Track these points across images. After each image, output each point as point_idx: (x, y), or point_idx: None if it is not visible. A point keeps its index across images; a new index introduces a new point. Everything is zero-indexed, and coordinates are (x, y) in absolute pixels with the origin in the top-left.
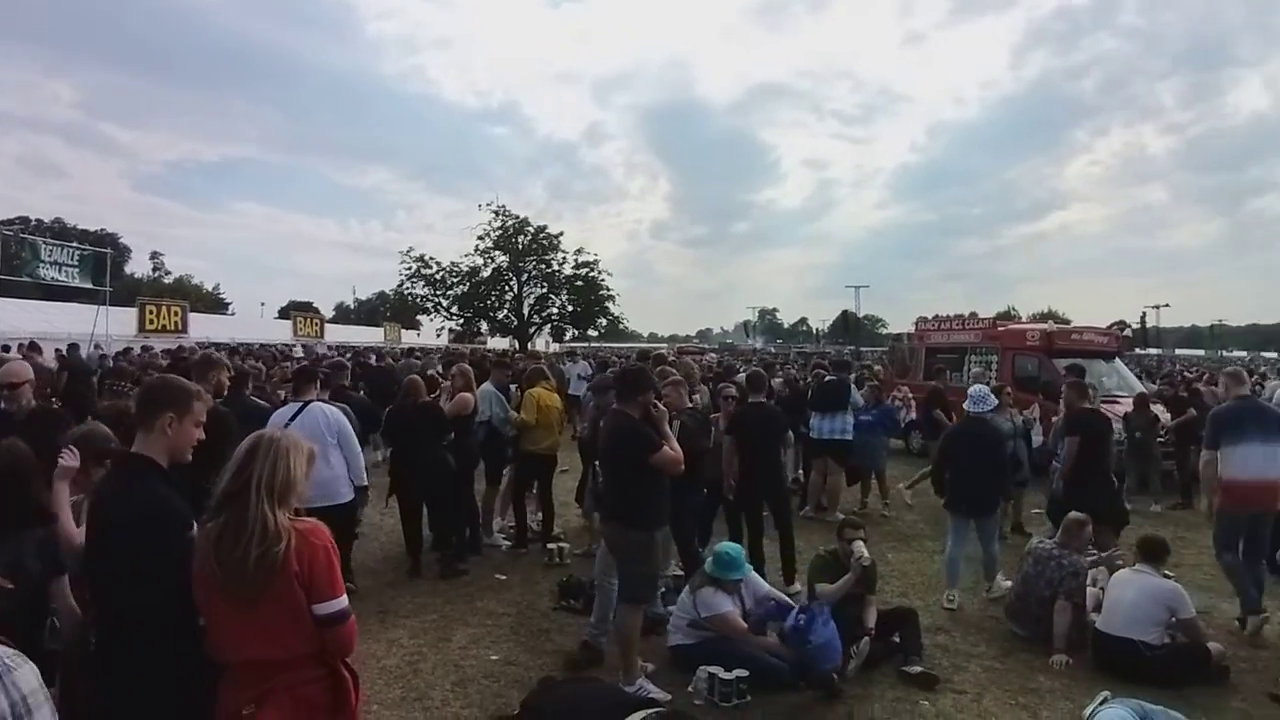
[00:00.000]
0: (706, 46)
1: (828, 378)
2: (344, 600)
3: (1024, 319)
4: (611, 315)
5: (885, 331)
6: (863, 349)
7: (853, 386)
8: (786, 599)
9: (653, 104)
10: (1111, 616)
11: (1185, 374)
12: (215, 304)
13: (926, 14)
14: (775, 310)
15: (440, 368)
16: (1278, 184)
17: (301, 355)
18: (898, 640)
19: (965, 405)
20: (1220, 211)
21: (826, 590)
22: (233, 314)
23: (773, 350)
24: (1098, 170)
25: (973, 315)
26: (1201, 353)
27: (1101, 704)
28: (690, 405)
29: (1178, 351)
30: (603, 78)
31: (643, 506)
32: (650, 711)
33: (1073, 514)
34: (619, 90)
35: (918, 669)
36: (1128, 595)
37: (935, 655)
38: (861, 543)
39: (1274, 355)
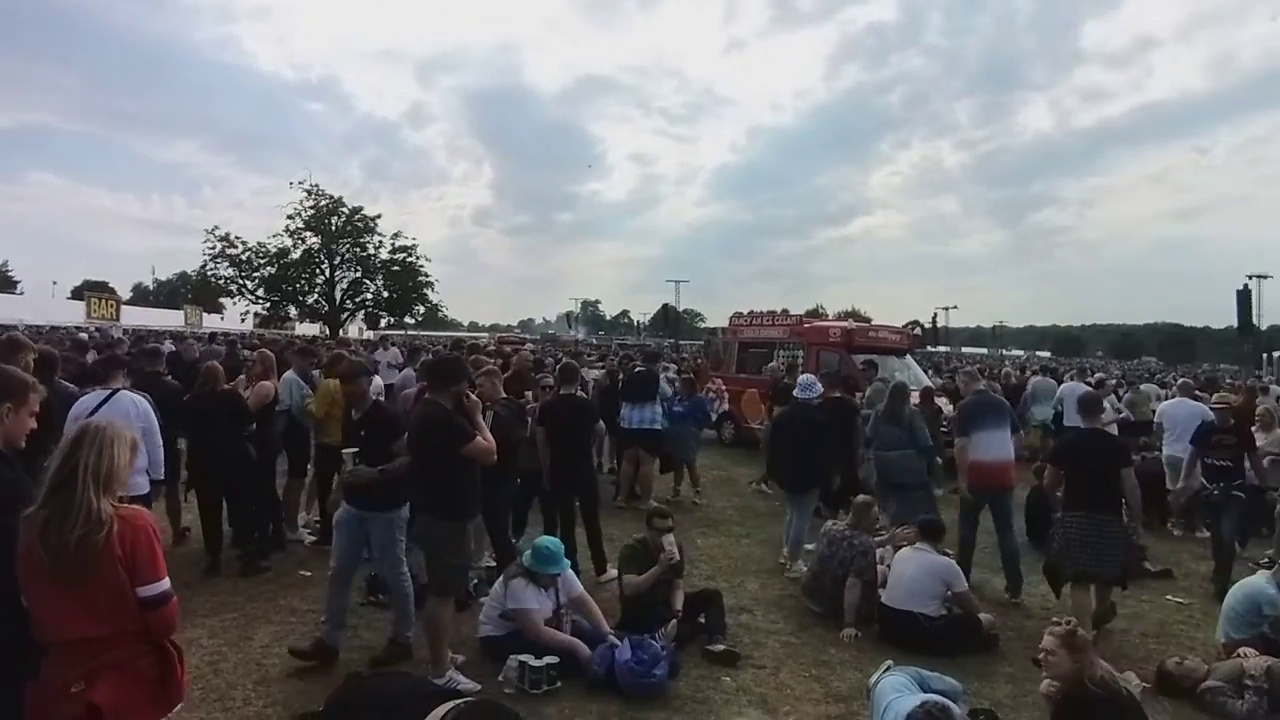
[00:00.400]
0: (535, 35)
1: (637, 368)
2: (166, 583)
3: (831, 317)
4: (430, 302)
5: (704, 326)
6: (682, 342)
7: (662, 377)
8: (603, 624)
9: (479, 88)
10: (894, 591)
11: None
12: (3, 282)
13: (749, 21)
14: (598, 302)
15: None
16: (1057, 200)
17: (88, 339)
18: (703, 621)
19: (795, 393)
20: (1005, 223)
21: (633, 582)
22: (21, 293)
23: (594, 342)
24: (899, 180)
25: (784, 312)
26: (984, 351)
27: (885, 672)
28: (505, 396)
29: (963, 350)
30: (427, 57)
31: (454, 497)
32: (458, 702)
33: (861, 497)
34: (444, 71)
35: (721, 647)
36: (909, 571)
37: (738, 633)
38: (671, 536)
39: (1046, 354)
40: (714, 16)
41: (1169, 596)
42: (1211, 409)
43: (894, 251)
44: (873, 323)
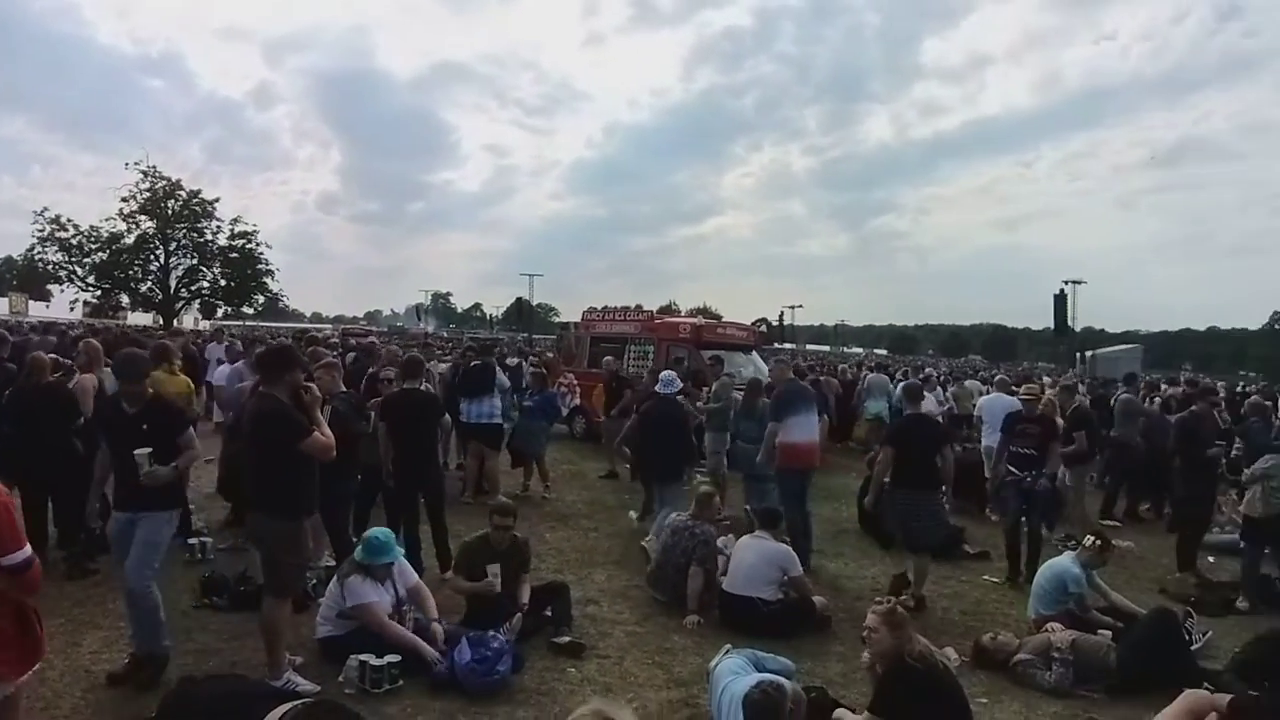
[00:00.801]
0: (389, 17)
1: (474, 362)
2: (27, 550)
3: (683, 313)
4: (270, 292)
5: (558, 320)
6: (535, 336)
7: (499, 370)
8: (433, 612)
9: (329, 69)
10: (734, 578)
11: (811, 366)
12: None
13: (608, 17)
14: (449, 294)
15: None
16: (896, 206)
17: None
18: (550, 614)
19: (657, 388)
20: (848, 227)
21: (457, 585)
22: None
23: (444, 335)
24: (750, 182)
25: (638, 307)
26: (826, 348)
27: (724, 656)
28: (344, 390)
29: (808, 347)
30: (276, 36)
31: (290, 494)
32: (295, 704)
33: (703, 488)
34: (293, 51)
35: (566, 639)
36: (748, 558)
37: (584, 625)
38: (496, 566)
39: (883, 352)
40: (573, 10)
41: (985, 576)
42: (1019, 400)
43: (744, 251)
44: (723, 319)
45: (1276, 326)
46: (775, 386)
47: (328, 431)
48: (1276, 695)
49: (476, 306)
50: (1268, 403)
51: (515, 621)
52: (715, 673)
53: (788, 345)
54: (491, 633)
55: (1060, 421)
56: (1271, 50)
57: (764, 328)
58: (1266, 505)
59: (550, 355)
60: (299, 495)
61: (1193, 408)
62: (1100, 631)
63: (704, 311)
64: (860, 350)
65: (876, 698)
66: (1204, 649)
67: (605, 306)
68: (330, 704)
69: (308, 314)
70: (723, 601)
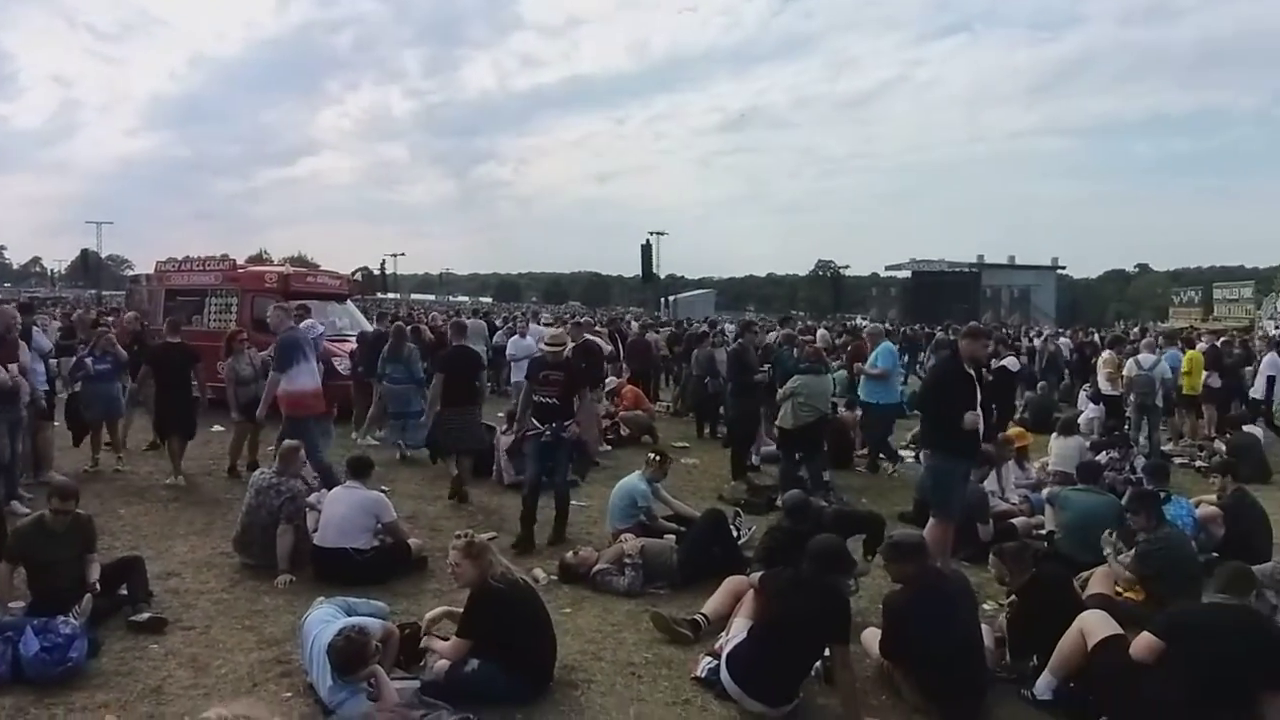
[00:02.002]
0: None
1: None
2: None
3: (276, 262)
4: None
5: (131, 273)
6: (106, 293)
7: (38, 331)
8: None
9: None
10: (326, 531)
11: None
12: None
13: None
14: (3, 248)
15: None
16: (498, 155)
17: None
18: (125, 592)
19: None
20: (451, 174)
21: None
22: None
23: None
24: (348, 123)
25: (224, 257)
26: (432, 297)
27: (315, 607)
28: None
29: (413, 296)
30: None
31: None
32: None
33: (287, 442)
34: None
35: (146, 615)
36: (339, 511)
37: (166, 599)
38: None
39: (489, 300)
40: None
41: (575, 501)
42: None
43: (343, 196)
44: (320, 268)
45: (820, 273)
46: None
47: None
48: (780, 571)
49: (35, 261)
50: (801, 335)
51: (85, 604)
52: (305, 625)
53: (391, 295)
54: (61, 618)
55: None
56: (823, 31)
57: (359, 276)
58: (796, 418)
59: (118, 312)
60: None
61: (740, 340)
62: (666, 536)
63: (300, 260)
64: (466, 299)
65: (464, 619)
66: (749, 542)
67: (188, 256)
68: None
69: None
70: (315, 556)
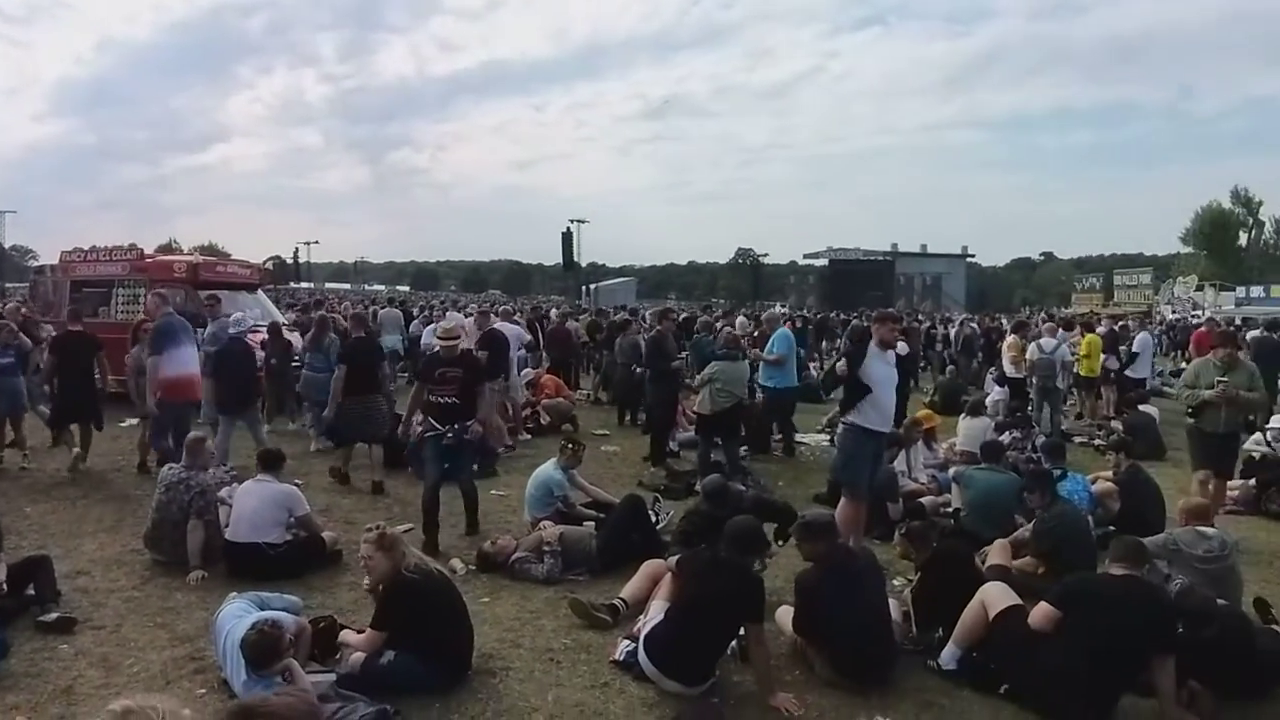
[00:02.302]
0: None
1: None
2: None
3: (186, 251)
4: None
5: (36, 264)
6: (10, 285)
7: None
8: None
9: None
10: (238, 526)
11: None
12: None
13: None
14: None
15: None
16: (414, 141)
17: None
18: (32, 592)
19: (229, 330)
20: (366, 160)
21: None
22: None
23: None
24: (260, 108)
25: (132, 247)
26: (347, 286)
27: (228, 603)
28: None
29: (327, 285)
30: None
31: None
32: None
33: (192, 434)
34: None
35: (54, 615)
36: (250, 504)
37: (75, 598)
38: None
39: (406, 289)
40: None
41: (493, 491)
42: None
43: (255, 183)
44: (231, 257)
45: (740, 261)
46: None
47: None
48: (696, 552)
49: None
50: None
51: None
52: (218, 621)
53: (305, 284)
54: None
55: None
56: (742, 21)
57: (269, 265)
58: (713, 403)
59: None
60: None
61: (658, 328)
62: (585, 523)
63: (210, 249)
64: (382, 287)
65: (378, 611)
66: (668, 527)
67: (93, 247)
68: None
69: None
70: (227, 551)
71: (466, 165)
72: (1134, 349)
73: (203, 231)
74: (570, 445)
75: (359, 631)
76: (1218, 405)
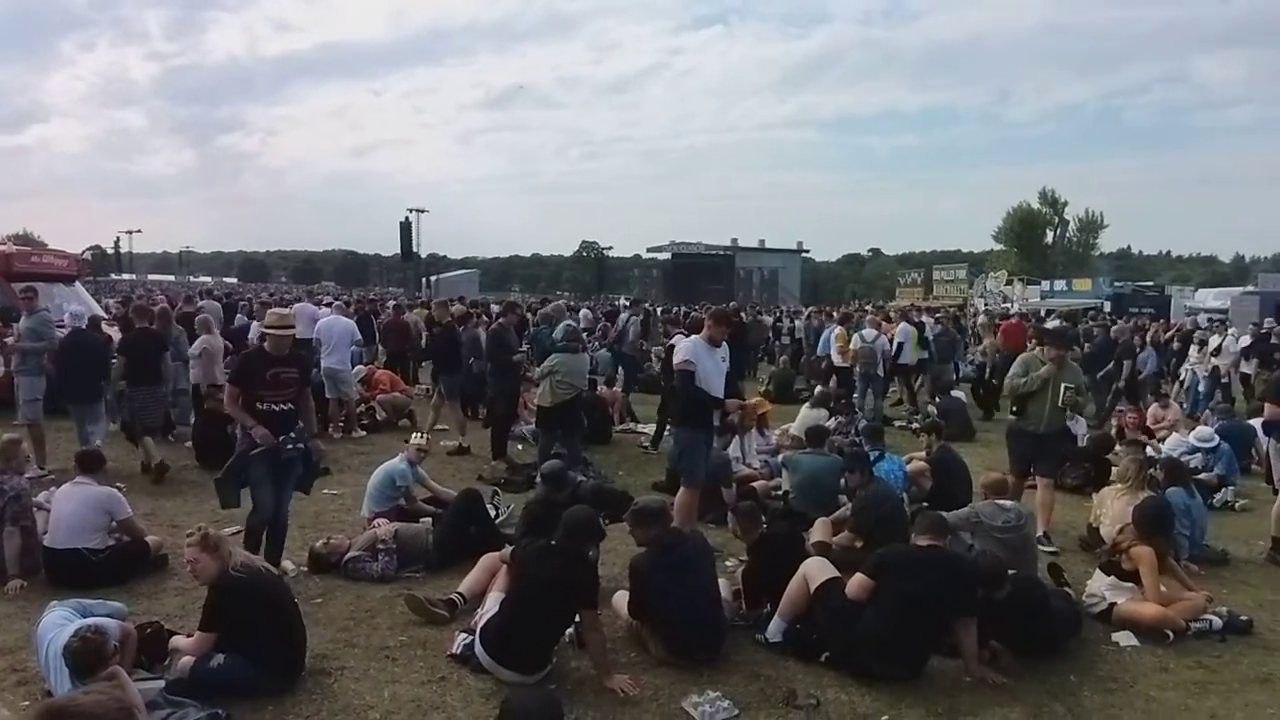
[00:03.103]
0: None
1: None
2: None
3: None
4: None
5: None
6: None
7: None
8: None
9: None
10: (56, 532)
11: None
12: None
13: None
14: None
15: None
16: (244, 124)
17: None
18: None
19: (74, 322)
20: (193, 143)
21: None
22: None
23: None
24: (81, 86)
25: None
26: (172, 277)
27: (48, 611)
28: None
29: (150, 276)
30: None
31: None
32: None
33: (7, 435)
34: None
35: None
36: (68, 508)
37: None
38: None
39: (234, 280)
40: None
41: (326, 490)
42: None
43: (74, 166)
44: (48, 247)
45: (584, 254)
46: None
47: None
48: (530, 542)
49: None
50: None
51: None
52: (39, 631)
53: (126, 275)
54: None
55: None
56: (587, 14)
57: (89, 255)
58: (554, 396)
59: None
60: None
61: (500, 320)
62: (423, 520)
63: (24, 238)
64: (209, 279)
65: (205, 613)
66: (508, 520)
67: None
68: None
69: None
70: (47, 558)
71: (300, 151)
72: (899, 338)
73: (18, 218)
74: (421, 437)
75: (188, 636)
76: (1042, 401)
